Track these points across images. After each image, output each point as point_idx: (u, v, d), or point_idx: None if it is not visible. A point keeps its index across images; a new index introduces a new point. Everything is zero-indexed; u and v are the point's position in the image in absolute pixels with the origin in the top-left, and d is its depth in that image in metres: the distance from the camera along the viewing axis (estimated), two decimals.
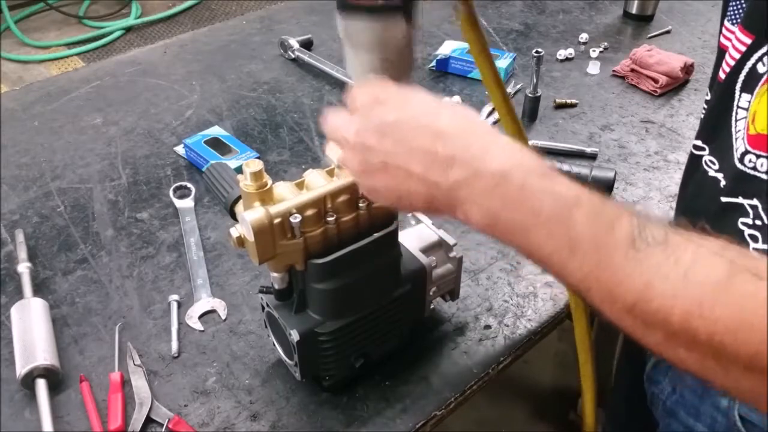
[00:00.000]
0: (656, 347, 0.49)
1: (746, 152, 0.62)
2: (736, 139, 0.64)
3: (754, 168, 0.61)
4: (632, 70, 1.38)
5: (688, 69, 1.37)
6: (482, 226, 0.54)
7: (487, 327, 0.90)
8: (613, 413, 1.27)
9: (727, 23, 0.70)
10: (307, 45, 1.49)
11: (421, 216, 0.87)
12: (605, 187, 1.09)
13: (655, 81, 1.34)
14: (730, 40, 0.67)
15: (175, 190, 1.10)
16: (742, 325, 0.44)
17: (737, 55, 0.65)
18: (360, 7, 0.57)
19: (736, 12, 0.69)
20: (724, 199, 0.66)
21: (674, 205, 1.09)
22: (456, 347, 0.87)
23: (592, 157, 1.19)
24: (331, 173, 0.72)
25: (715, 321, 0.45)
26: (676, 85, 1.37)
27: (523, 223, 0.51)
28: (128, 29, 3.72)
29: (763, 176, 0.59)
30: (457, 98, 1.33)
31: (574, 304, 0.80)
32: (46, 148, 1.23)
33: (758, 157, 0.60)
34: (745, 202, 0.62)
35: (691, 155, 0.77)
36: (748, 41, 0.64)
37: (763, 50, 0.61)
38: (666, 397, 0.82)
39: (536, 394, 1.95)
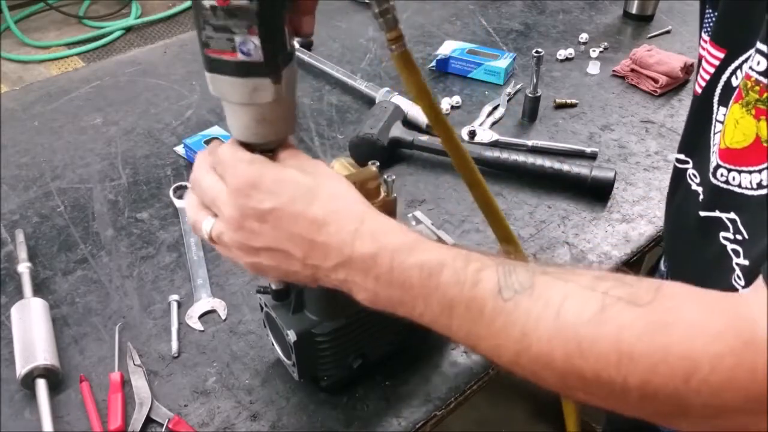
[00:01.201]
0: (555, 390, 0.50)
1: (718, 166, 0.61)
2: (712, 153, 0.64)
3: (727, 182, 0.60)
4: (632, 70, 1.38)
5: (688, 69, 1.37)
6: (367, 303, 0.56)
7: None
8: (614, 416, 1.27)
9: (703, 34, 0.70)
10: (307, 45, 1.49)
11: (420, 216, 0.88)
12: (605, 187, 1.10)
13: (655, 81, 1.34)
14: (706, 50, 0.67)
15: (175, 190, 1.10)
16: (622, 358, 0.44)
17: (711, 69, 0.65)
18: (222, 62, 0.56)
19: (709, 23, 0.68)
20: (702, 213, 0.65)
21: None
22: (456, 347, 0.87)
23: (592, 157, 1.19)
24: None
25: (596, 358, 0.45)
26: (676, 85, 1.37)
27: (400, 298, 0.54)
28: (128, 29, 3.72)
29: (736, 189, 0.59)
30: (457, 98, 1.33)
31: None
32: (46, 148, 1.23)
33: (729, 171, 0.60)
34: (723, 215, 0.61)
35: (675, 168, 0.76)
36: (721, 55, 0.63)
37: (736, 64, 0.61)
38: None
39: (536, 394, 1.95)
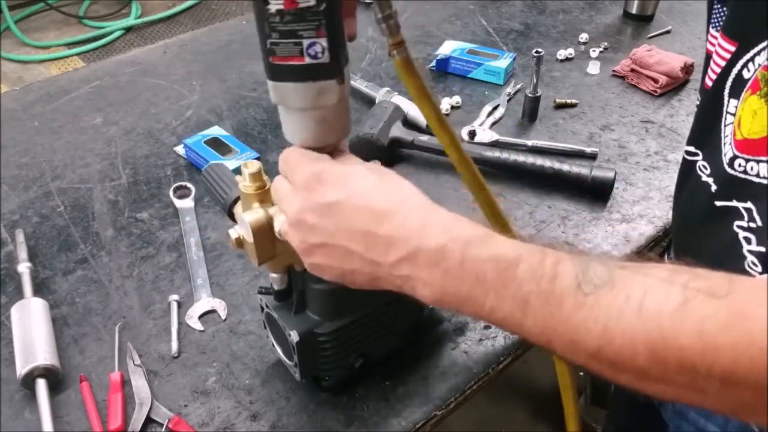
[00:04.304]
0: (631, 385, 0.49)
1: (735, 157, 0.62)
2: (724, 144, 0.64)
3: (745, 172, 0.61)
4: (632, 70, 1.38)
5: (688, 69, 1.37)
6: (431, 300, 0.54)
7: (487, 327, 0.90)
8: (615, 415, 1.27)
9: (711, 29, 0.71)
10: None
11: None
12: (605, 187, 1.10)
13: (655, 81, 1.34)
14: (714, 45, 0.68)
15: (175, 190, 1.10)
16: (707, 348, 0.44)
17: (722, 62, 0.66)
18: (289, 68, 0.56)
19: (718, 18, 0.69)
20: (718, 203, 0.66)
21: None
22: (456, 347, 0.87)
23: (592, 157, 1.19)
24: None
25: (680, 349, 0.44)
26: (676, 85, 1.37)
27: (470, 293, 0.52)
28: (128, 29, 3.72)
29: (754, 179, 0.60)
30: (457, 98, 1.33)
31: None
32: (46, 148, 1.23)
33: (747, 161, 0.60)
34: (740, 205, 0.62)
35: (684, 161, 0.77)
36: (732, 48, 0.64)
37: (748, 56, 0.62)
38: None
39: (536, 394, 1.96)
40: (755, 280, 0.47)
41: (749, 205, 0.61)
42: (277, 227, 0.63)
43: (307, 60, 0.55)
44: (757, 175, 0.59)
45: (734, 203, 0.63)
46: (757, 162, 0.59)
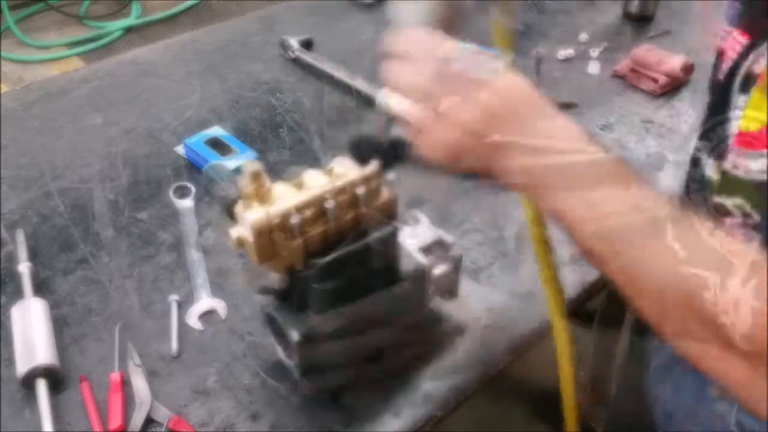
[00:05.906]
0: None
1: (734, 151, 0.63)
2: (731, 138, 0.65)
3: (737, 167, 0.62)
4: (632, 70, 1.38)
5: (688, 69, 1.37)
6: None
7: (487, 327, 0.90)
8: (616, 413, 1.28)
9: (725, 25, 0.71)
10: (307, 45, 1.48)
11: (419, 215, 0.88)
12: None
13: (655, 81, 1.34)
14: (726, 41, 0.68)
15: (175, 190, 1.10)
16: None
17: (734, 56, 0.66)
18: None
19: (732, 13, 0.70)
20: (717, 199, 0.67)
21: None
22: (456, 347, 0.87)
23: None
24: (330, 173, 0.72)
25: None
26: (676, 85, 1.37)
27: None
28: (128, 29, 3.72)
29: (744, 176, 0.61)
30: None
31: (554, 313, 0.80)
32: (46, 148, 1.23)
33: (743, 155, 0.61)
34: (735, 201, 0.63)
35: (692, 157, 0.78)
36: (745, 42, 0.65)
37: (759, 51, 0.62)
38: (667, 399, 0.83)
39: (536, 394, 1.95)
40: None
41: (738, 200, 0.62)
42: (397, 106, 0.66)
43: None
44: (750, 170, 0.60)
45: (727, 198, 0.64)
46: (753, 157, 0.60)
